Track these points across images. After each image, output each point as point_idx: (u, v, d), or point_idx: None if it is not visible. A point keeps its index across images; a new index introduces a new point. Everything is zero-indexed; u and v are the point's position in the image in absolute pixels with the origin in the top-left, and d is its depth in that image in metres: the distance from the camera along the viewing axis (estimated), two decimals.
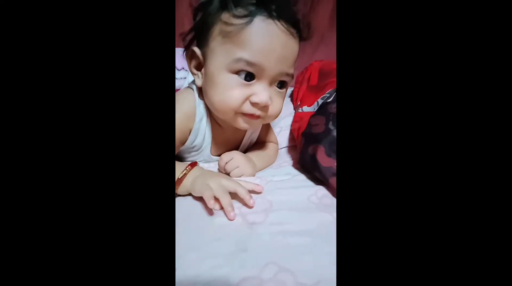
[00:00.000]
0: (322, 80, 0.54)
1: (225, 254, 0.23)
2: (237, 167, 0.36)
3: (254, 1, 0.29)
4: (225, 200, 0.28)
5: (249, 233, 0.25)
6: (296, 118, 0.47)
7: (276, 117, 0.36)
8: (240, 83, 0.30)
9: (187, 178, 0.31)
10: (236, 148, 0.42)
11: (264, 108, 0.32)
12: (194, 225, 0.26)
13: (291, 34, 0.30)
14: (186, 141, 0.37)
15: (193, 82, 0.37)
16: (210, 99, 0.33)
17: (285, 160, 0.44)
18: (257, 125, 0.37)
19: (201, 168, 0.34)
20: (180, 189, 0.31)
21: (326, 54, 0.91)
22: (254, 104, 0.31)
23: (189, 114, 0.36)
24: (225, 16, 0.30)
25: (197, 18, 0.33)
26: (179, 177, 0.31)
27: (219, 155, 0.41)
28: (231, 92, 0.31)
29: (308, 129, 0.39)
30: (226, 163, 0.36)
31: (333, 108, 0.37)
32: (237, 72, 0.30)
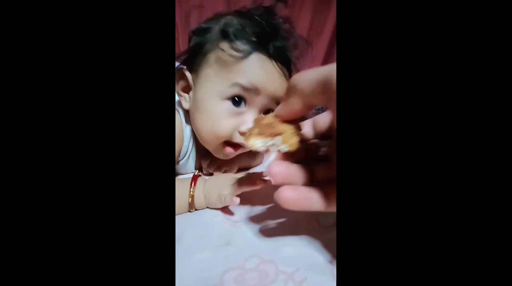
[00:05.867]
0: None
1: (209, 248, 0.24)
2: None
3: (254, 39, 0.30)
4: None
5: (232, 229, 0.26)
6: None
7: None
8: (230, 111, 0.31)
9: (197, 197, 0.29)
10: None
11: None
12: (177, 222, 0.27)
13: (284, 75, 0.32)
14: (177, 162, 0.37)
15: (178, 103, 0.37)
16: (198, 126, 0.33)
17: (265, 165, 0.46)
18: (230, 155, 0.35)
19: (203, 179, 0.31)
20: (195, 207, 0.30)
21: (304, 68, 0.97)
22: (242, 134, 0.31)
23: (177, 137, 0.36)
24: (223, 45, 0.30)
25: (193, 42, 0.33)
26: (190, 202, 0.29)
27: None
28: (221, 122, 0.31)
29: None
30: (208, 163, 0.37)
31: (309, 114, 0.40)
32: (229, 98, 0.30)
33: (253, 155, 0.40)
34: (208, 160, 0.38)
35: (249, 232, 0.26)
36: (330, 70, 0.15)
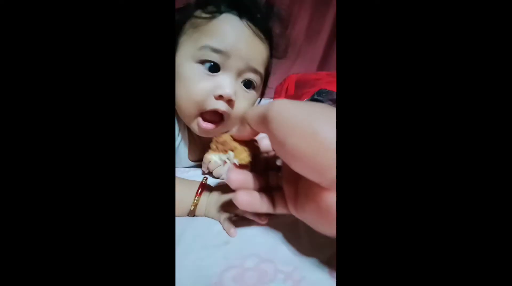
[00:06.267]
0: (298, 90, 0.58)
1: (208, 247, 0.24)
2: (219, 166, 0.36)
3: (226, 3, 0.30)
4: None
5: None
6: None
7: (238, 117, 0.34)
8: (204, 74, 0.30)
9: (199, 206, 0.29)
10: None
11: (230, 103, 0.31)
12: (177, 221, 0.27)
13: (259, 37, 0.31)
14: None
15: None
16: (176, 96, 0.32)
17: None
18: (213, 134, 0.35)
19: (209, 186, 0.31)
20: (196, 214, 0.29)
21: (302, 67, 0.97)
22: (218, 98, 0.30)
23: None
24: (196, 12, 0.32)
25: (176, 19, 0.33)
26: (191, 209, 0.28)
27: (197, 160, 0.41)
28: (195, 85, 0.30)
29: None
30: (209, 162, 0.37)
31: None
32: (202, 62, 0.30)
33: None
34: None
35: (248, 231, 0.26)
36: (267, 107, 0.18)
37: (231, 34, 0.30)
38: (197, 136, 0.36)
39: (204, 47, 0.29)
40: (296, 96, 0.54)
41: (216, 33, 0.30)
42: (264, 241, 0.25)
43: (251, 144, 0.24)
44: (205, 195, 0.29)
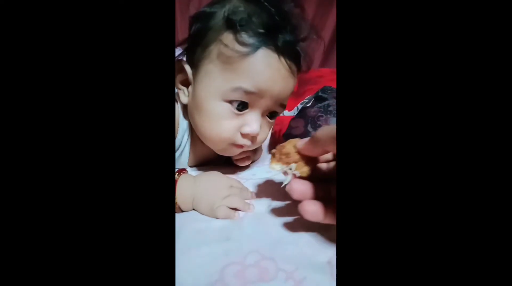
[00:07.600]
0: (301, 87, 0.57)
1: (208, 243, 0.23)
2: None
3: (262, 31, 0.27)
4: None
5: (231, 225, 0.26)
6: (277, 121, 0.50)
7: (259, 145, 0.35)
8: (231, 112, 0.29)
9: (182, 200, 0.27)
10: (215, 159, 0.41)
11: (253, 138, 0.31)
12: (177, 217, 0.26)
13: (292, 72, 0.30)
14: None
15: (176, 95, 0.35)
16: (199, 128, 0.31)
17: (265, 162, 0.45)
18: (237, 152, 0.35)
19: (190, 178, 0.29)
20: (182, 208, 0.28)
21: None
22: (244, 135, 0.30)
23: None
24: (227, 37, 0.27)
25: (194, 30, 0.31)
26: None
27: (195, 166, 0.40)
28: (223, 123, 0.29)
29: (288, 130, 0.41)
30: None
31: (311, 112, 0.40)
32: (231, 101, 0.29)
33: (254, 150, 0.40)
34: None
35: (248, 228, 0.26)
36: None
37: (267, 75, 0.28)
38: (201, 145, 0.35)
39: (237, 89, 0.28)
40: (299, 92, 0.53)
41: (251, 74, 0.27)
42: (265, 239, 0.24)
43: (313, 158, 0.24)
44: (186, 185, 0.28)
